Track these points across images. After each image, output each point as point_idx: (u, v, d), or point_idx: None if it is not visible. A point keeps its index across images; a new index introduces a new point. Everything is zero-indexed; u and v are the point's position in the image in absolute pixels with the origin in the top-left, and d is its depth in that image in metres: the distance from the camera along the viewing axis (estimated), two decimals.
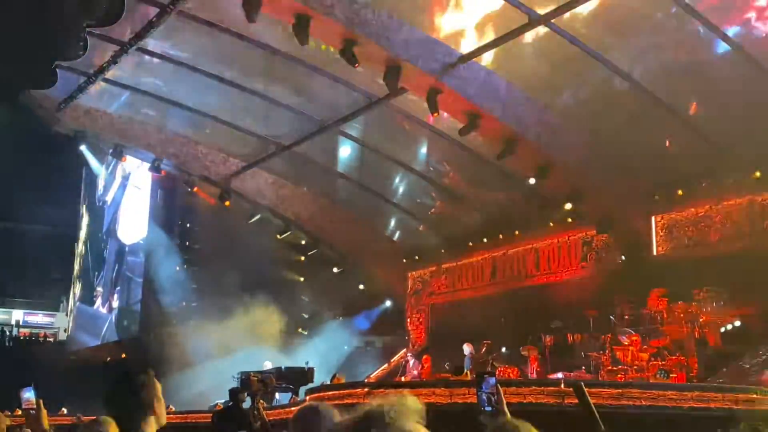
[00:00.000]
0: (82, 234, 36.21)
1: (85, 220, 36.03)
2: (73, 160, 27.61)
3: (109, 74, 17.73)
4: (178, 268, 26.72)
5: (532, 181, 17.06)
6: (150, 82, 19.35)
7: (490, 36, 14.56)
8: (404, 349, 22.32)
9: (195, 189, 22.21)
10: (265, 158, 21.01)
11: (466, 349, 17.04)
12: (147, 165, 22.67)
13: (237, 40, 16.06)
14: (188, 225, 27.26)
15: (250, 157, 21.39)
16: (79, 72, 17.92)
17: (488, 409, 3.68)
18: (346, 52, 14.04)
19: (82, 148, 22.24)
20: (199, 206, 25.27)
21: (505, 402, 3.72)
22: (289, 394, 17.70)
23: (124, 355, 28.02)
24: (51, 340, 38.21)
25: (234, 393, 11.17)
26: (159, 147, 21.32)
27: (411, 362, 18.54)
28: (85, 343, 33.21)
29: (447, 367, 17.36)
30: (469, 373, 15.18)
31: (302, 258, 24.88)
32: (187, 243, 27.29)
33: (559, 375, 14.29)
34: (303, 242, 24.49)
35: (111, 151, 21.60)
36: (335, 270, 24.58)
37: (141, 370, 3.43)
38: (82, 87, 18.25)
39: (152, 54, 17.54)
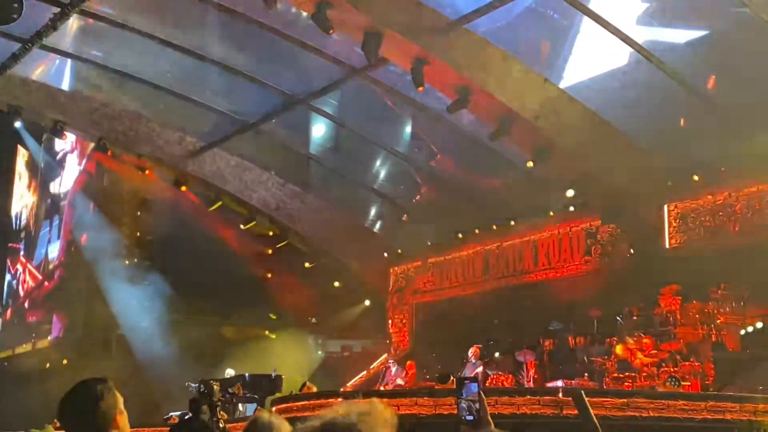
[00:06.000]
0: (17, 223, 35.90)
1: (21, 207, 35.71)
2: (7, 139, 27.33)
3: (47, 41, 17.53)
4: (127, 263, 26.57)
5: (529, 164, 17.12)
6: (95, 51, 19.17)
7: None
8: (385, 355, 22.36)
9: (146, 172, 22.07)
10: (227, 137, 20.91)
11: (471, 353, 16.83)
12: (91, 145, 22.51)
13: (195, 1, 15.95)
14: (138, 214, 27.09)
15: (210, 136, 21.28)
16: (13, 38, 17.71)
17: (469, 418, 3.71)
18: (319, 16, 13.94)
19: (17, 125, 22.00)
20: (151, 192, 25.10)
21: (488, 410, 3.75)
22: (255, 405, 17.70)
23: (65, 361, 27.87)
24: None
25: (196, 404, 11.16)
26: (105, 124, 21.13)
27: (393, 369, 18.57)
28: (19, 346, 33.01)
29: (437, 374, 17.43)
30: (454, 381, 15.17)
31: (269, 251, 24.81)
32: (138, 234, 27.14)
33: (559, 383, 14.38)
34: (270, 233, 24.42)
35: (50, 128, 21.38)
36: (307, 265, 24.56)
37: (97, 380, 3.41)
38: (16, 55, 18.03)
39: (98, 17, 17.37)
